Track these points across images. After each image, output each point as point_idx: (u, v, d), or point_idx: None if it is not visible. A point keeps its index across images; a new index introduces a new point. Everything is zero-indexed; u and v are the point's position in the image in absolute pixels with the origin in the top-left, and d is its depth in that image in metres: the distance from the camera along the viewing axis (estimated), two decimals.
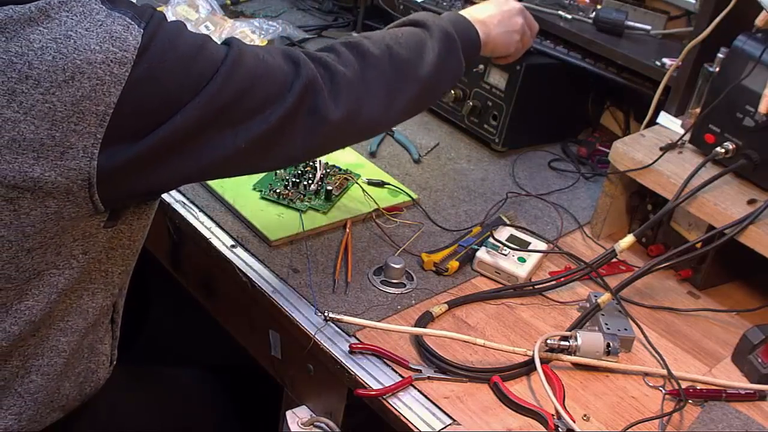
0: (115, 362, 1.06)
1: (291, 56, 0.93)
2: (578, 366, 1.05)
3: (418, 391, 0.99)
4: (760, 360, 1.06)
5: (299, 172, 1.33)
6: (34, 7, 0.76)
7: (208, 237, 1.20)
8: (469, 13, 1.18)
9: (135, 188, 0.86)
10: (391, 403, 0.97)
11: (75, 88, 0.76)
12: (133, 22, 0.79)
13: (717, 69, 1.23)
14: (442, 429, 0.94)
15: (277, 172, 1.32)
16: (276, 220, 1.23)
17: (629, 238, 1.15)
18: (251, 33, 1.70)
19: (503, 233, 1.25)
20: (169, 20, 0.84)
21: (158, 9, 0.86)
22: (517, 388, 1.01)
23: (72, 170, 0.79)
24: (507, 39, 1.23)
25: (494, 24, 1.20)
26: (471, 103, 1.52)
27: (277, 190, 1.28)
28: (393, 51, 1.02)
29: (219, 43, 0.89)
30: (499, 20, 1.21)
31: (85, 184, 0.80)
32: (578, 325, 1.09)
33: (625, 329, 1.09)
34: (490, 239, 1.21)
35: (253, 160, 0.95)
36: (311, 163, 1.36)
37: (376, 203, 1.29)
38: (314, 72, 0.93)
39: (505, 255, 1.20)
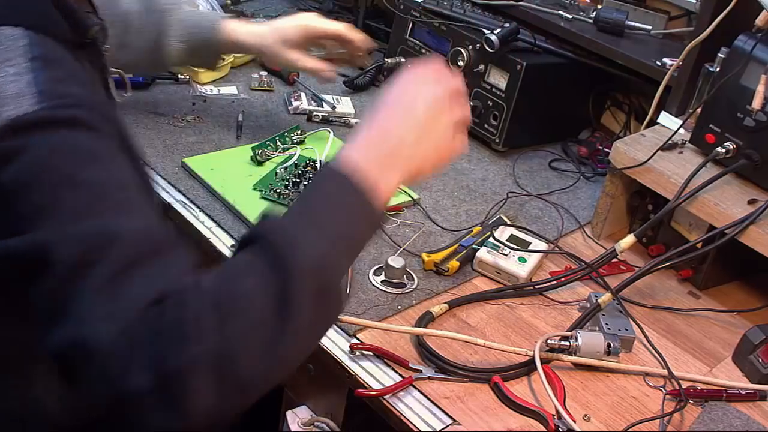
0: None
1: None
2: (579, 366, 1.05)
3: (419, 391, 0.99)
4: (760, 360, 1.06)
5: (300, 171, 1.33)
6: None
7: (208, 237, 1.19)
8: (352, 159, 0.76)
9: None
10: (391, 403, 0.97)
11: None
12: (34, 94, 0.65)
13: (717, 69, 1.23)
14: (443, 429, 0.94)
15: (277, 171, 1.32)
16: None
17: (630, 238, 1.15)
18: None
19: (504, 233, 1.25)
20: (88, 138, 0.67)
21: None
22: (518, 388, 1.01)
23: None
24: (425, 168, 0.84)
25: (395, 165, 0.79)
26: (471, 103, 1.51)
27: (278, 190, 1.27)
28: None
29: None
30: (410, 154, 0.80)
31: None
32: (579, 325, 1.09)
33: (626, 329, 1.09)
34: (491, 239, 1.21)
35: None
36: (311, 163, 1.35)
37: None
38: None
39: (506, 255, 1.20)
